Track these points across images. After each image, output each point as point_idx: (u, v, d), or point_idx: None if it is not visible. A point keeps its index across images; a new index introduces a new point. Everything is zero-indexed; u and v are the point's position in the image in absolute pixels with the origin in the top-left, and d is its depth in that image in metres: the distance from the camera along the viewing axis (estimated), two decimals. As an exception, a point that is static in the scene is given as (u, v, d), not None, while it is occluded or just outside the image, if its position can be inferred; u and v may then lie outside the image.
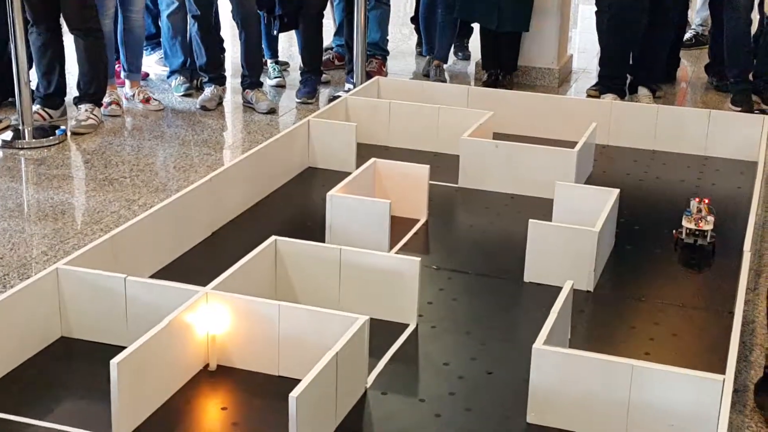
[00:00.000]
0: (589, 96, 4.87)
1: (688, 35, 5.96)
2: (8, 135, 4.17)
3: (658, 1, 4.69)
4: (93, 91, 4.40)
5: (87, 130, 4.30)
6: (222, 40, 5.03)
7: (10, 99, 4.49)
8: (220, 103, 4.79)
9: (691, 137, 3.79)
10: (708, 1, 5.48)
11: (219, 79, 4.82)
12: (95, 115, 4.37)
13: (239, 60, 4.82)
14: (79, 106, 4.40)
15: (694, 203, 2.90)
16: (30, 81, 4.26)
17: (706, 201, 2.90)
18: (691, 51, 5.93)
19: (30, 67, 4.34)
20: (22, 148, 4.09)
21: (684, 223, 2.91)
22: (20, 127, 4.18)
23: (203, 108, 4.71)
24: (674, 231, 2.94)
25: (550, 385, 2.02)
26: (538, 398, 2.04)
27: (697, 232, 2.89)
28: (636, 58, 4.89)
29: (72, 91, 4.53)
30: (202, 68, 4.78)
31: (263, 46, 5.04)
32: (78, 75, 4.42)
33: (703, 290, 2.71)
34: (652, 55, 4.87)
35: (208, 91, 4.77)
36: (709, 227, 2.88)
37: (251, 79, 4.76)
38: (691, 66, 5.68)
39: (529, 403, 2.05)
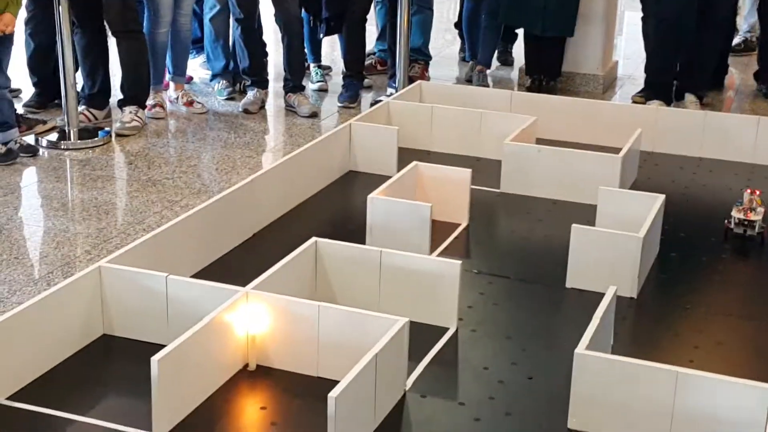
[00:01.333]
0: (634, 102, 4.81)
1: (736, 41, 5.87)
2: (54, 136, 4.23)
3: (707, 6, 4.63)
4: (136, 93, 4.45)
5: (131, 132, 4.34)
6: (265, 44, 5.05)
7: (56, 101, 4.56)
8: (262, 107, 4.81)
9: (739, 144, 3.72)
10: (757, 7, 5.40)
11: (262, 83, 4.84)
12: (139, 117, 4.41)
13: (282, 64, 4.84)
14: (123, 109, 4.44)
15: (746, 194, 2.93)
16: (76, 83, 4.32)
17: (758, 192, 2.90)
18: (740, 57, 5.84)
19: (76, 70, 4.39)
20: (68, 149, 4.14)
21: (733, 212, 2.93)
22: (66, 129, 4.23)
23: (246, 111, 4.73)
24: (725, 221, 2.97)
25: (592, 390, 1.99)
26: (579, 403, 2.01)
27: (746, 222, 2.91)
28: (683, 65, 4.82)
29: (117, 93, 4.58)
30: (245, 71, 4.81)
31: (306, 50, 5.06)
32: (121, 77, 4.47)
33: (750, 299, 2.66)
34: (700, 62, 4.80)
35: (251, 94, 4.79)
36: (758, 218, 2.90)
37: (293, 83, 4.77)
38: (740, 73, 5.59)
39: (571, 408, 2.02)
